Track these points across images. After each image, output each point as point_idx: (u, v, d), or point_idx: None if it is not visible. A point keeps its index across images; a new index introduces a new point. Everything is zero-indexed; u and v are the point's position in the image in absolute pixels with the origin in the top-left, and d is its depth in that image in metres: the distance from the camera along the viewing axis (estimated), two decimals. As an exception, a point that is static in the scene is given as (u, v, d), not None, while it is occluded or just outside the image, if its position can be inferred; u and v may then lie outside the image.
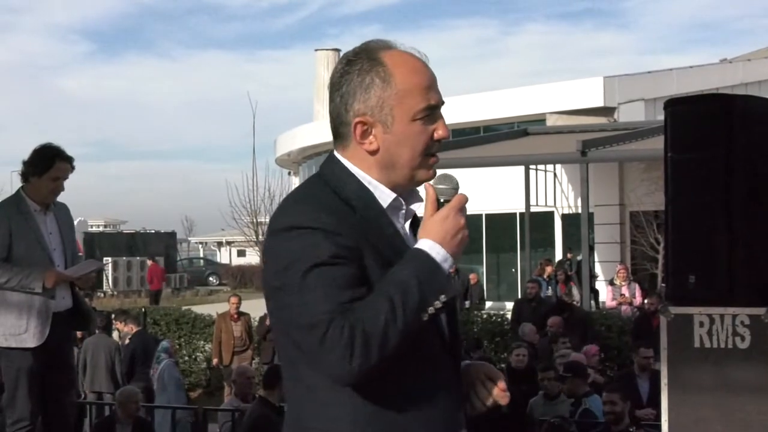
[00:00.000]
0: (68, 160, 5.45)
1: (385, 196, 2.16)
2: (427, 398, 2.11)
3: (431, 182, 2.18)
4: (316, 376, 2.05)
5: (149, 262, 30.44)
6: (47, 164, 5.36)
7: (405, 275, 2.02)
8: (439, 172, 2.23)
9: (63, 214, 5.60)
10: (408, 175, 2.17)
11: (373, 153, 2.15)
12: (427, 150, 2.16)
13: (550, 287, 17.81)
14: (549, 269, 18.88)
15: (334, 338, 1.94)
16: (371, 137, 2.14)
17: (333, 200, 2.11)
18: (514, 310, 13.69)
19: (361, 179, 2.16)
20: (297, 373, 2.12)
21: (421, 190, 2.22)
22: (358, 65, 2.14)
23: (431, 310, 2.02)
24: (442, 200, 2.15)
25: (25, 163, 5.43)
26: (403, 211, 2.21)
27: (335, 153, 2.22)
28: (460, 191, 2.19)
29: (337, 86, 2.16)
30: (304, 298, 1.99)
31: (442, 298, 2.04)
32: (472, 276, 20.75)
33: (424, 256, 2.06)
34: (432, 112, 2.16)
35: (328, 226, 2.03)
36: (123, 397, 8.13)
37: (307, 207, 2.09)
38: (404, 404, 2.08)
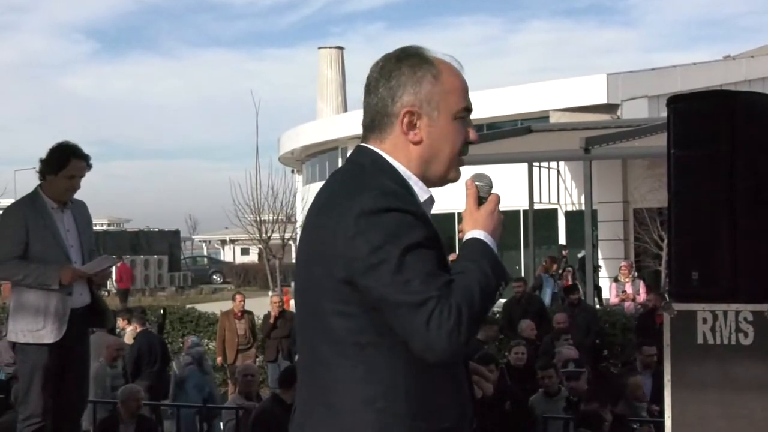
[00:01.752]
0: (84, 158, 5.50)
1: (422, 192, 2.25)
2: (458, 380, 2.24)
3: (470, 178, 2.32)
4: (378, 357, 2.10)
5: (119, 263, 30.38)
6: (63, 162, 5.41)
7: (479, 261, 2.15)
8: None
9: (80, 212, 5.64)
10: (443, 172, 2.28)
11: (417, 143, 2.23)
12: (461, 150, 2.29)
13: (557, 284, 17.77)
14: (555, 266, 18.86)
15: (443, 316, 2.01)
16: (416, 129, 2.22)
17: (397, 188, 2.17)
18: (505, 312, 13.14)
19: (401, 172, 2.23)
20: (356, 359, 2.12)
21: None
22: (410, 62, 2.25)
23: (498, 294, 2.15)
24: (481, 195, 2.30)
25: (42, 162, 5.49)
26: (430, 207, 2.29)
27: (369, 145, 2.27)
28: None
29: (385, 79, 2.24)
30: (404, 277, 2.04)
31: (503, 283, 2.17)
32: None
33: (486, 245, 2.20)
34: (467, 114, 2.29)
35: (417, 211, 2.12)
36: (124, 395, 8.13)
37: (384, 191, 2.13)
38: (443, 385, 2.19)
